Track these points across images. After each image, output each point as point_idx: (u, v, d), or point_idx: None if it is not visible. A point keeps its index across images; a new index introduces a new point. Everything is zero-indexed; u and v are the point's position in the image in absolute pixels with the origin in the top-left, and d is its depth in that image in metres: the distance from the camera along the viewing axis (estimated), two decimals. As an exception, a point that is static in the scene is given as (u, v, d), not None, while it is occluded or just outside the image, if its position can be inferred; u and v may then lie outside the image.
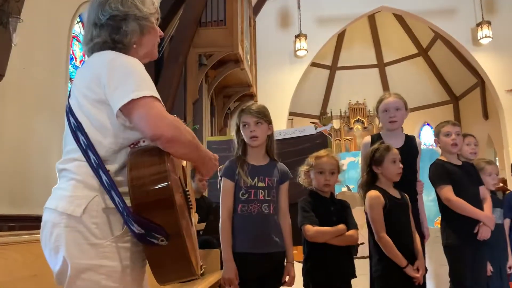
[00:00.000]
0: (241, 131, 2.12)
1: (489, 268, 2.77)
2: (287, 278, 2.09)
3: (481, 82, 11.27)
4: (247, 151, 2.13)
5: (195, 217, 3.01)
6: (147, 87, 1.20)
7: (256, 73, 9.68)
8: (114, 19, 1.30)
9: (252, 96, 8.78)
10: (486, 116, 11.49)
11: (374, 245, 2.27)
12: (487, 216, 2.56)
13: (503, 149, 9.69)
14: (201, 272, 3.16)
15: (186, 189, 1.41)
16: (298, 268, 2.21)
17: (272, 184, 2.11)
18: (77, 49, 5.39)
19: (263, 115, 2.11)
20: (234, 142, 2.19)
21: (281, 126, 8.95)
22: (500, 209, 2.97)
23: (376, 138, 2.64)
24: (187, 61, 6.22)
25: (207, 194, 4.44)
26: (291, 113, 11.23)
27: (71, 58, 5.15)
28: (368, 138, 2.69)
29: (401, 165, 2.30)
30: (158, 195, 1.15)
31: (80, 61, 5.43)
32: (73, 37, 5.20)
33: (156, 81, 5.51)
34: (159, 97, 1.22)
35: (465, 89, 12.60)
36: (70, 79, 4.98)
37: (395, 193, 2.31)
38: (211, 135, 7.46)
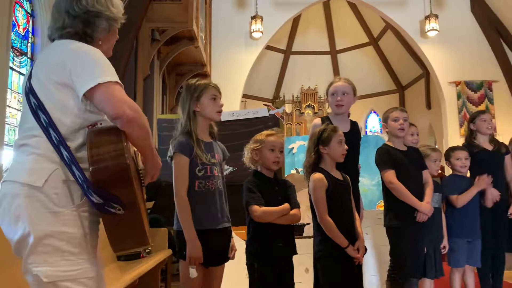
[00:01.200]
0: (204, 105, 2.07)
1: (425, 248, 2.94)
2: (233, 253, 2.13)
3: (426, 73, 11.78)
4: (197, 127, 2.08)
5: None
6: (111, 74, 1.32)
7: (210, 53, 9.55)
8: (88, 14, 1.42)
9: (205, 76, 8.67)
10: (429, 106, 12.06)
11: (317, 226, 2.32)
12: (422, 205, 2.69)
13: (443, 138, 10.24)
14: (148, 250, 3.13)
15: (140, 168, 1.48)
16: (242, 247, 2.24)
17: (220, 160, 2.13)
18: (20, 16, 5.06)
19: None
20: (182, 116, 2.10)
21: (234, 108, 8.93)
22: (439, 193, 3.14)
23: (325, 120, 2.70)
24: (139, 35, 6.02)
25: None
26: (244, 95, 11.23)
27: (13, 25, 4.83)
28: (318, 120, 2.74)
29: (346, 147, 2.36)
30: (116, 170, 1.25)
31: (24, 29, 5.10)
32: (16, 2, 4.87)
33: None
34: (122, 84, 1.34)
35: (411, 80, 13.13)
36: (12, 47, 4.68)
37: (338, 175, 2.37)
38: (162, 113, 7.31)
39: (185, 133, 2.07)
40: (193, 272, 1.94)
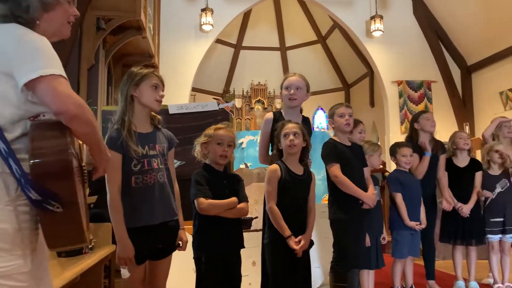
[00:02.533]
0: (143, 91, 2.00)
1: (368, 240, 3.07)
2: (181, 244, 2.11)
3: (370, 72, 12.22)
4: (133, 118, 2.01)
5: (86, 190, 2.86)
6: (56, 65, 1.26)
7: (159, 44, 9.33)
8: None
9: (153, 68, 8.46)
10: (372, 104, 12.53)
11: (265, 213, 2.41)
12: (367, 195, 2.81)
13: (385, 135, 10.68)
14: (91, 246, 3.03)
15: (83, 164, 1.43)
16: (189, 241, 2.22)
17: (163, 151, 2.07)
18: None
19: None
20: (120, 102, 2.03)
21: (183, 101, 8.81)
22: (378, 186, 3.31)
23: (278, 115, 2.75)
24: (83, 23, 5.77)
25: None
26: (193, 89, 11.09)
27: None
28: (270, 115, 2.78)
29: (291, 138, 2.41)
30: (58, 166, 1.20)
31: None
32: None
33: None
34: (66, 77, 1.28)
35: (356, 78, 13.57)
36: None
37: (299, 170, 2.43)
38: (107, 105, 7.06)
39: (119, 124, 1.99)
40: (125, 273, 1.89)
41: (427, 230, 3.64)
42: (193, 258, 2.26)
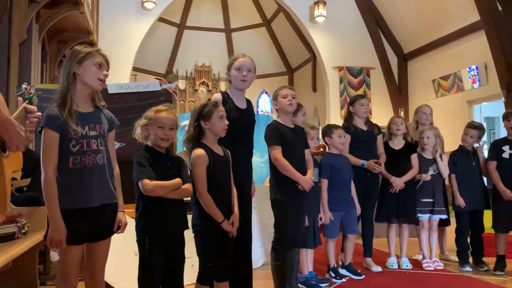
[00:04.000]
0: (85, 69, 1.92)
1: (306, 220, 3.17)
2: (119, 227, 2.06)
3: (313, 57, 12.46)
4: (75, 97, 1.93)
5: (19, 173, 2.70)
6: None
7: (98, 20, 8.89)
8: None
9: (92, 45, 8.06)
10: (314, 89, 12.82)
11: (195, 201, 2.35)
12: (304, 179, 2.88)
13: (326, 119, 10.99)
14: (24, 231, 2.89)
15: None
16: (130, 225, 2.18)
17: (104, 132, 2.00)
18: None
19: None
20: (62, 81, 1.94)
21: (123, 81, 8.51)
22: (317, 168, 3.42)
23: (226, 96, 2.73)
24: (13, -6, 5.35)
25: (33, 148, 4.01)
26: (135, 68, 10.75)
27: None
28: (218, 95, 2.75)
29: (227, 122, 2.41)
30: None
31: None
32: None
33: (-29, 12, 4.63)
34: None
35: (299, 63, 13.78)
36: None
37: (219, 150, 2.41)
38: (41, 83, 6.66)
39: (59, 103, 1.90)
40: (54, 255, 1.83)
41: (368, 211, 3.84)
42: (136, 240, 2.21)
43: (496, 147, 3.84)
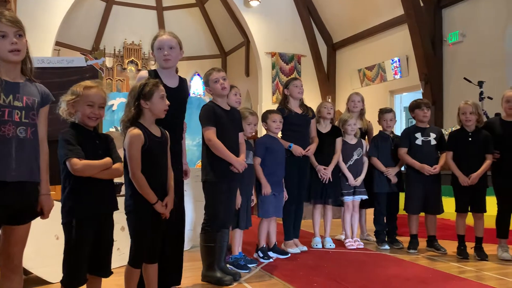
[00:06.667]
0: None
1: (239, 201, 3.20)
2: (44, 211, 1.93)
3: (246, 42, 12.47)
4: (1, 65, 1.79)
5: None
6: None
7: (15, -13, 8.18)
8: None
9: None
10: (247, 73, 12.87)
11: (128, 182, 2.28)
12: (238, 160, 2.91)
13: (258, 104, 11.10)
14: None
15: None
16: (54, 208, 2.06)
17: (32, 105, 1.87)
18: None
19: (22, 26, 1.84)
20: None
21: (45, 55, 7.94)
22: (251, 151, 3.46)
23: (153, 74, 2.62)
24: None
25: None
26: (58, 43, 10.08)
27: None
28: (144, 73, 2.64)
29: (168, 102, 2.35)
30: None
31: None
32: None
33: None
34: None
35: (233, 46, 13.72)
36: None
37: (156, 131, 2.34)
38: None
39: None
40: None
41: (300, 193, 3.95)
42: (62, 223, 2.09)
43: (408, 134, 4.08)
